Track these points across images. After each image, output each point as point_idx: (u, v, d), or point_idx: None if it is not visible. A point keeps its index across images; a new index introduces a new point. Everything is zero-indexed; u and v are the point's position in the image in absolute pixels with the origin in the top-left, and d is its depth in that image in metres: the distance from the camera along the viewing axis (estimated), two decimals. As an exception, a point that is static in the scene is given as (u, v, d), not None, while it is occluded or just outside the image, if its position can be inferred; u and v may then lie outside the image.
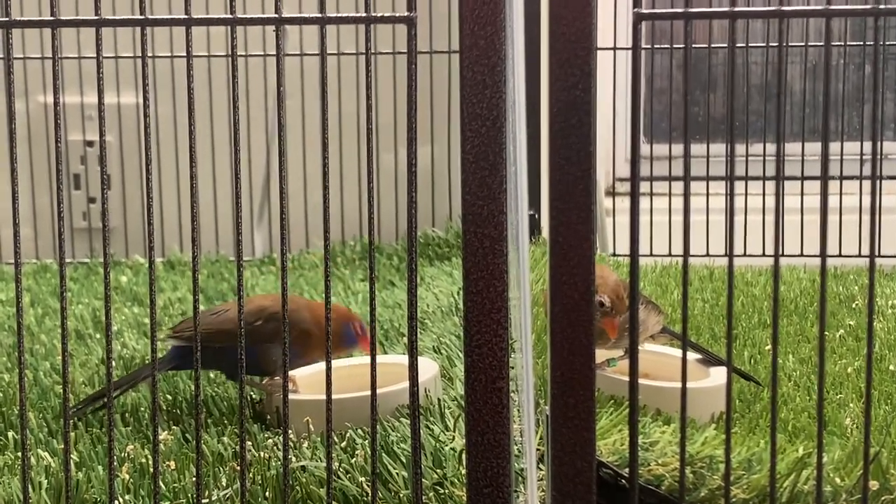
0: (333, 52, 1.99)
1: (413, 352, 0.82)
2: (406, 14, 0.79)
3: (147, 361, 1.29)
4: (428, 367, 1.15)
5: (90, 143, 2.12)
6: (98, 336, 1.49)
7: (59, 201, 0.83)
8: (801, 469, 0.87)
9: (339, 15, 0.81)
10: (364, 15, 0.80)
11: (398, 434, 1.00)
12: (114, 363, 0.90)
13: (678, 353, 1.16)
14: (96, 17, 0.81)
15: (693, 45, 1.94)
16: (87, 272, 1.93)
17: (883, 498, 0.86)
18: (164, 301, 1.69)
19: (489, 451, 0.80)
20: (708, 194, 1.78)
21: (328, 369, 0.84)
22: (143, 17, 0.81)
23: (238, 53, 0.82)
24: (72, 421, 1.11)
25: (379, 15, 0.80)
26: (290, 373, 1.18)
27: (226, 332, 1.12)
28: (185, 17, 0.80)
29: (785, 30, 0.82)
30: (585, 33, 0.77)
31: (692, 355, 1.19)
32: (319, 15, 0.80)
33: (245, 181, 2.07)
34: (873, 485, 0.86)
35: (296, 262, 1.97)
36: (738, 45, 1.84)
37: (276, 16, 0.80)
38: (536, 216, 1.88)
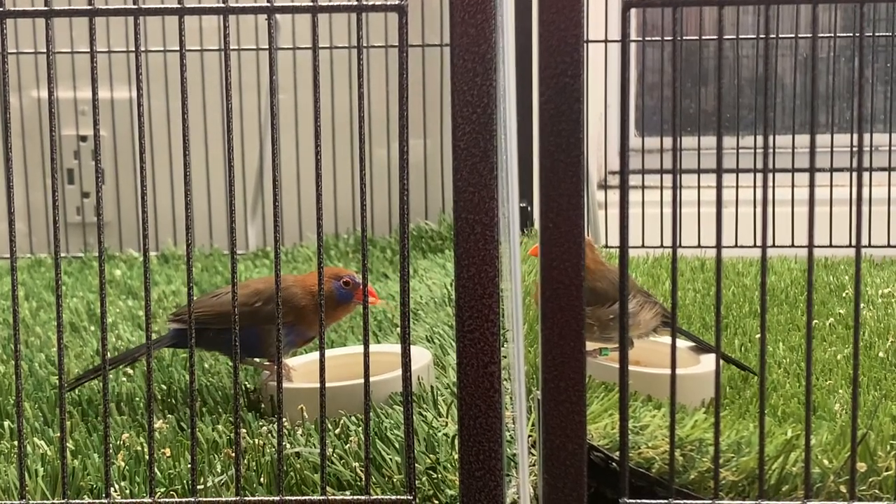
0: (326, 45, 1.99)
1: (405, 339, 0.82)
2: (397, 2, 0.80)
3: (142, 343, 1.30)
4: (421, 356, 1.15)
5: (83, 138, 2.13)
6: (93, 328, 1.50)
7: (53, 190, 0.83)
8: (790, 451, 0.88)
9: (331, 3, 0.82)
10: (355, 3, 0.80)
11: (391, 420, 1.01)
12: (108, 354, 0.91)
13: (668, 341, 1.17)
14: (90, 7, 0.82)
15: (684, 38, 1.95)
16: (81, 266, 1.93)
17: (871, 479, 0.87)
18: (159, 294, 1.70)
19: (481, 435, 0.81)
20: (699, 187, 1.79)
21: (322, 357, 0.84)
22: (136, 6, 0.81)
23: (231, 46, 0.83)
24: (67, 410, 1.12)
25: (370, 3, 0.81)
26: (286, 361, 1.18)
27: (226, 315, 1.13)
28: (178, 6, 0.81)
29: (772, 17, 0.83)
30: (574, 21, 0.78)
31: (686, 343, 1.20)
32: (311, 3, 0.81)
33: (238, 175, 2.08)
34: (861, 466, 0.87)
35: (289, 255, 1.98)
36: (729, 36, 1.85)
37: (269, 4, 0.81)
38: (528, 208, 1.89)
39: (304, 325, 1.16)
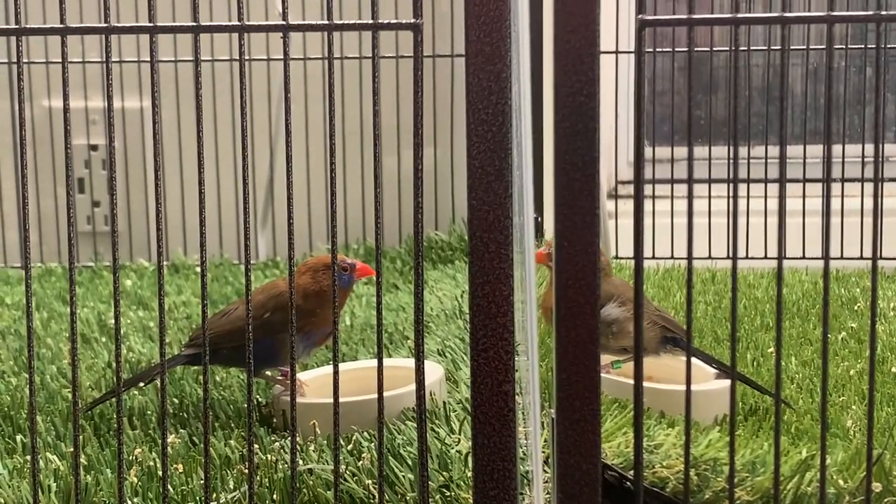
0: (337, 55, 2.00)
1: (419, 356, 0.82)
2: (412, 21, 0.80)
3: (154, 363, 1.30)
4: (433, 371, 1.15)
5: (94, 147, 2.13)
6: (104, 339, 1.50)
7: (68, 205, 0.83)
8: (805, 471, 0.88)
9: (346, 22, 0.82)
10: (370, 22, 0.80)
11: (404, 437, 1.01)
12: (122, 369, 0.91)
13: (682, 356, 1.16)
14: (105, 25, 0.82)
15: (695, 48, 1.95)
16: (91, 276, 1.94)
17: (886, 499, 0.86)
18: (169, 305, 1.70)
19: (495, 453, 0.81)
20: (710, 197, 1.78)
21: (335, 372, 0.84)
22: (152, 24, 0.81)
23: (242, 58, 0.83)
24: (80, 425, 1.12)
25: (385, 22, 0.81)
26: (297, 376, 1.18)
27: (239, 331, 1.13)
28: (194, 24, 0.81)
29: (787, 34, 0.83)
30: (589, 40, 0.78)
31: (709, 369, 1.18)
32: (326, 22, 0.81)
33: (248, 185, 2.08)
34: (876, 486, 0.86)
35: (299, 265, 1.98)
36: (741, 48, 1.85)
37: (283, 23, 0.81)
38: (539, 220, 1.89)
39: (319, 325, 1.16)
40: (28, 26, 0.82)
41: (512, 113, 0.81)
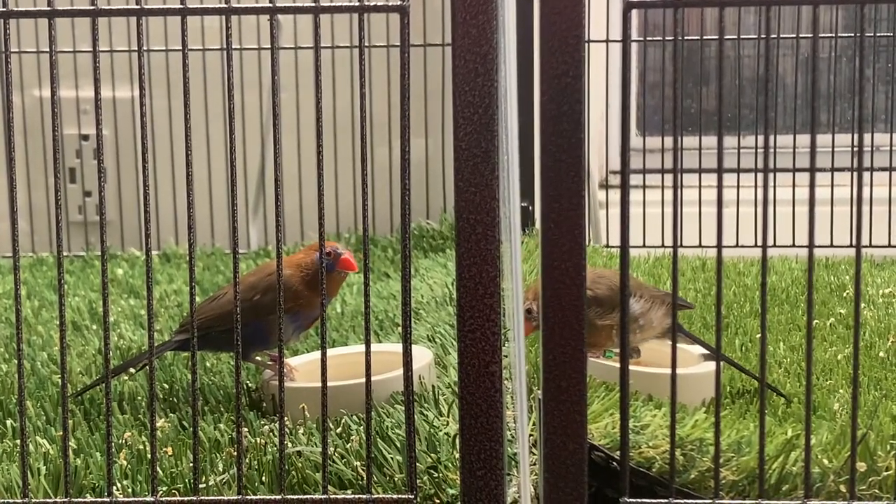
0: (328, 44, 2.00)
1: (407, 338, 0.83)
2: (399, 3, 0.80)
3: (145, 350, 1.30)
4: (422, 355, 1.16)
5: (85, 137, 2.13)
6: (95, 327, 1.50)
7: (56, 189, 0.84)
8: (790, 451, 0.89)
9: (333, 4, 0.82)
10: (357, 4, 0.81)
11: (393, 420, 1.01)
12: (111, 353, 0.91)
13: (682, 340, 1.17)
14: (92, 7, 0.82)
15: (685, 38, 1.95)
16: (83, 265, 1.94)
17: (870, 479, 0.87)
18: (161, 293, 1.70)
19: (482, 434, 0.81)
20: (700, 186, 1.79)
21: (323, 356, 0.85)
22: (138, 7, 0.82)
23: (233, 46, 0.83)
24: (70, 409, 1.12)
25: (372, 4, 0.81)
26: (287, 361, 1.19)
27: (227, 315, 1.13)
28: (181, 6, 0.81)
29: (774, 17, 0.83)
30: (576, 22, 0.79)
31: (692, 347, 1.19)
32: (313, 4, 0.81)
33: (240, 174, 2.08)
34: (861, 466, 0.87)
35: (291, 254, 1.98)
36: (730, 36, 1.85)
37: (271, 5, 0.81)
38: (530, 208, 1.89)
39: (307, 307, 1.16)
40: (14, 9, 0.82)
41: (499, 96, 0.81)
